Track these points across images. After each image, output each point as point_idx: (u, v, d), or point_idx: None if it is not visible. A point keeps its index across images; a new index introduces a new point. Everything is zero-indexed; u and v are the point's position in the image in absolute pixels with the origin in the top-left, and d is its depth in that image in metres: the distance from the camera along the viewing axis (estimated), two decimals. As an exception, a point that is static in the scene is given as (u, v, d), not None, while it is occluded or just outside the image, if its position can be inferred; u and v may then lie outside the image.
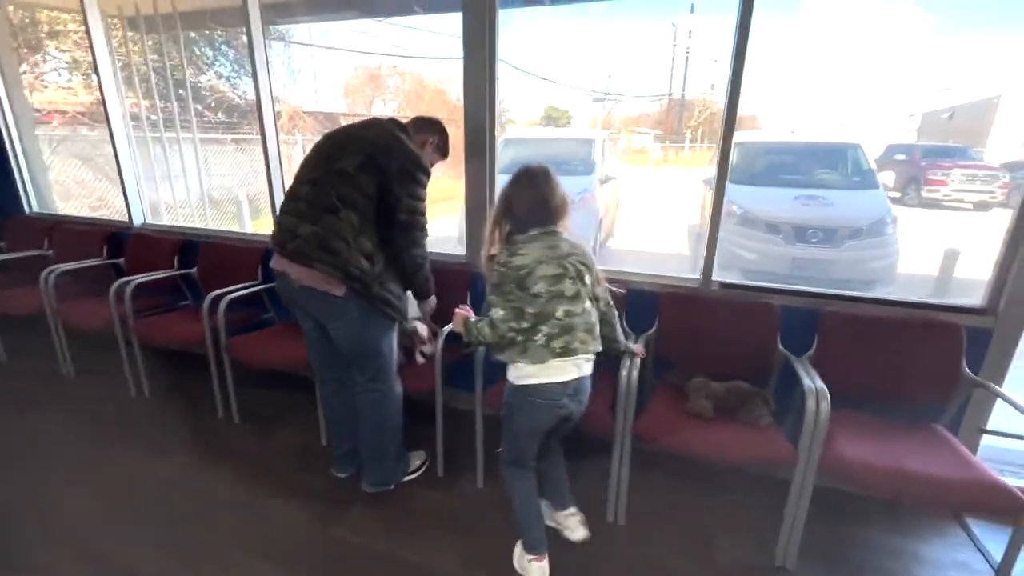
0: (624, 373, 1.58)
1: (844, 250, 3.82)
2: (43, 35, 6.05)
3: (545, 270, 1.31)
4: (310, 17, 4.56)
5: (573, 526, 1.64)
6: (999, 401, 1.61)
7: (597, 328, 1.40)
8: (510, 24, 2.07)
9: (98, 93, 2.79)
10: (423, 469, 1.98)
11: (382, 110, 10.95)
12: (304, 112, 8.78)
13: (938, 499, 1.39)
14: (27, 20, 6.03)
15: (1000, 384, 1.65)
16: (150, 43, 4.23)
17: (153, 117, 4.38)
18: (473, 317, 1.40)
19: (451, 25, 1.99)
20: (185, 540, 1.66)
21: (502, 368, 1.43)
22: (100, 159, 5.33)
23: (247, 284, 2.39)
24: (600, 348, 1.39)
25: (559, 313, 1.31)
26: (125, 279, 2.42)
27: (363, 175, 1.47)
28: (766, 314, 1.84)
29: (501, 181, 1.45)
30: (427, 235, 1.64)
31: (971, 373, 1.63)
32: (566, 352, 1.31)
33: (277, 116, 2.51)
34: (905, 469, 1.40)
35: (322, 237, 1.45)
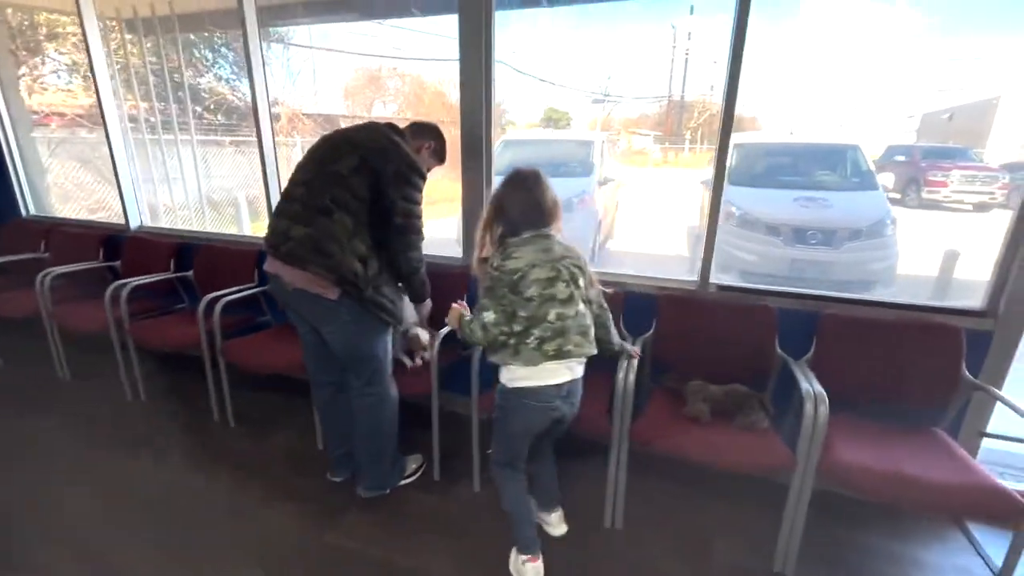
0: (621, 376, 1.57)
1: (843, 252, 3.80)
2: (42, 38, 6.06)
3: (538, 273, 1.30)
4: (309, 19, 4.57)
5: (555, 522, 1.67)
6: (1000, 404, 1.59)
7: (592, 331, 1.39)
8: (511, 26, 2.07)
9: (111, 94, 2.79)
10: (419, 473, 1.96)
11: (382, 112, 10.94)
12: (303, 114, 8.78)
13: (937, 504, 1.37)
14: (26, 23, 6.03)
15: (1000, 387, 1.64)
16: (149, 45, 4.22)
17: (152, 119, 4.38)
18: (468, 315, 1.40)
19: (450, 27, 1.99)
20: (182, 543, 1.65)
21: (496, 371, 1.42)
22: (99, 161, 5.33)
23: (243, 287, 2.38)
24: (595, 351, 1.39)
25: (551, 316, 1.30)
26: (120, 282, 2.41)
27: (356, 177, 1.47)
28: (764, 317, 1.83)
29: (498, 183, 1.45)
30: (423, 238, 1.63)
31: (971, 376, 1.62)
32: (559, 355, 1.31)
33: (276, 118, 2.50)
34: (904, 474, 1.38)
35: (315, 239, 1.44)
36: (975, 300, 1.74)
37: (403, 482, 1.91)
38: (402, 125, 1.72)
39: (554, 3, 3.20)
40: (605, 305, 1.50)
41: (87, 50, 2.68)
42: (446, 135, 1.79)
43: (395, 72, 10.81)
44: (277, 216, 1.55)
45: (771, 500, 1.58)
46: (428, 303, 1.81)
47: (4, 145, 3.21)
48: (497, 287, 1.33)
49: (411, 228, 1.56)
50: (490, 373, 1.47)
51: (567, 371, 1.36)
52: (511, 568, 1.53)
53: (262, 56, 2.40)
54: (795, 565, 1.52)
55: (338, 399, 1.78)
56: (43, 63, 6.49)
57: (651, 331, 1.94)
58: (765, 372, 1.82)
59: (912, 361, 1.67)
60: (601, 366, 1.59)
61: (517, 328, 1.31)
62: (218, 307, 2.15)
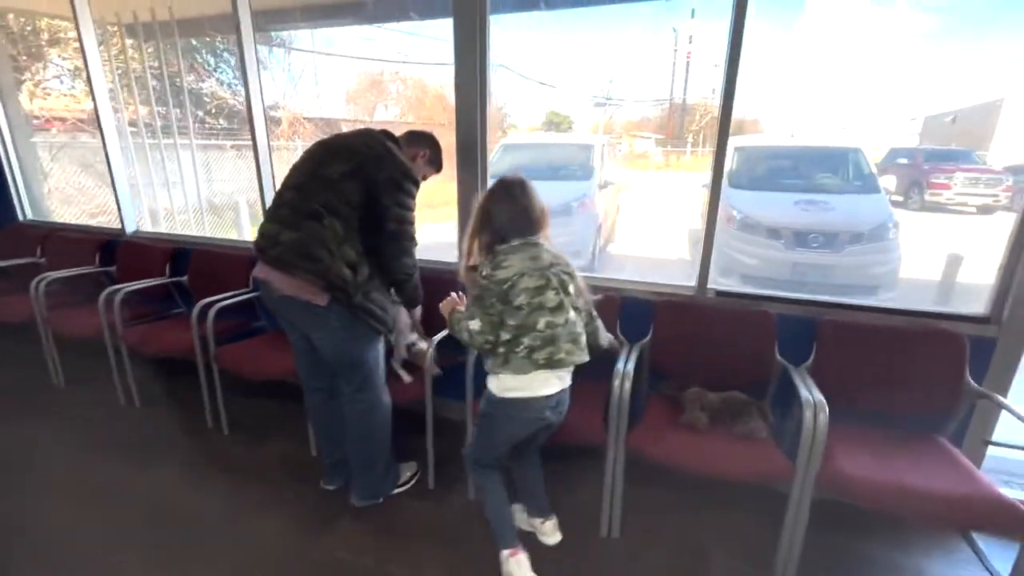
0: (616, 384, 1.54)
1: (845, 255, 3.77)
2: (43, 43, 6.09)
3: (527, 282, 1.28)
4: (307, 24, 4.58)
5: (548, 531, 1.64)
6: (1004, 411, 1.56)
7: (583, 338, 1.37)
8: (512, 31, 2.06)
9: (107, 99, 2.78)
10: (414, 481, 1.94)
11: (384, 116, 10.95)
12: (304, 118, 8.79)
13: (940, 515, 1.34)
14: (28, 28, 6.06)
15: (1005, 394, 1.61)
16: (150, 50, 4.23)
17: (152, 124, 4.37)
18: (462, 308, 1.39)
19: (449, 31, 1.97)
20: (173, 550, 1.64)
21: (484, 377, 1.41)
22: (100, 166, 5.32)
23: (238, 292, 2.36)
24: (587, 358, 1.37)
25: (540, 325, 1.28)
26: (114, 287, 2.40)
27: (348, 182, 1.45)
28: (763, 323, 1.80)
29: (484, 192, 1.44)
30: (416, 244, 1.61)
31: (974, 384, 1.59)
32: (550, 364, 1.29)
33: (277, 122, 2.49)
34: (905, 484, 1.35)
35: (304, 244, 1.43)
36: (979, 305, 1.71)
37: (397, 490, 1.88)
38: (404, 129, 1.72)
39: (552, 6, 3.19)
40: (595, 313, 1.48)
41: (83, 55, 2.68)
42: (444, 140, 1.78)
43: (397, 76, 10.82)
44: (268, 220, 1.53)
45: (771, 508, 1.55)
46: (419, 310, 1.79)
47: (2, 150, 3.21)
48: (486, 296, 1.31)
49: (404, 234, 1.54)
50: (484, 379, 1.45)
51: (557, 381, 1.35)
52: (502, 570, 1.52)
53: (257, 60, 2.39)
54: (795, 576, 1.49)
55: (330, 405, 1.76)
56: (45, 68, 6.52)
57: (648, 337, 1.92)
58: (764, 379, 1.79)
59: (914, 368, 1.64)
60: (597, 374, 1.57)
61: (506, 336, 1.30)
62: (212, 313, 2.13)
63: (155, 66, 4.20)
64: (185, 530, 1.72)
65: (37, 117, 6.01)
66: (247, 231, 6.34)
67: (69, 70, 6.47)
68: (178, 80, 4.60)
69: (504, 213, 1.35)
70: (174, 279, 2.70)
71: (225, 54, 8.08)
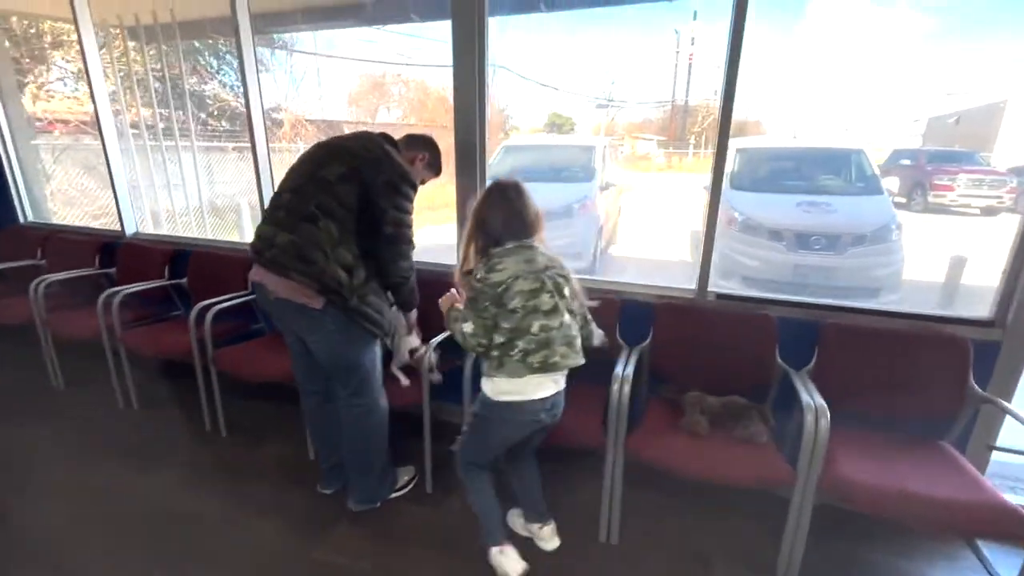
0: (616, 387, 1.53)
1: (848, 257, 3.74)
2: (46, 45, 6.12)
3: (522, 285, 1.28)
4: (308, 26, 4.58)
5: (546, 536, 1.63)
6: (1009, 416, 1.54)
7: (578, 341, 1.36)
8: (515, 33, 2.05)
9: (107, 102, 2.79)
10: (411, 485, 1.92)
11: (386, 118, 10.97)
12: (306, 120, 8.81)
13: (943, 522, 1.32)
14: (32, 31, 6.09)
15: (1009, 399, 1.59)
16: (152, 52, 4.24)
17: (153, 126, 4.38)
18: (460, 305, 1.39)
19: (450, 32, 1.96)
20: (169, 554, 1.63)
21: (479, 379, 1.41)
22: (102, 167, 5.33)
23: (236, 294, 2.35)
24: (582, 361, 1.36)
25: (535, 328, 1.28)
26: (113, 290, 2.39)
27: (344, 185, 1.44)
28: (764, 326, 1.78)
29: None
30: (414, 247, 1.60)
31: (978, 388, 1.57)
32: (544, 367, 1.29)
33: (279, 124, 2.49)
34: (908, 490, 1.33)
35: (298, 246, 1.42)
36: (983, 308, 1.69)
37: (395, 494, 1.87)
38: (406, 131, 1.72)
39: (553, 7, 3.18)
40: (589, 317, 1.47)
41: (83, 57, 2.68)
42: (445, 142, 1.77)
43: (399, 78, 10.84)
44: (264, 222, 1.52)
45: (772, 513, 1.53)
46: (414, 313, 1.78)
47: (3, 152, 3.22)
48: (479, 299, 1.30)
49: (402, 238, 1.53)
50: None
51: (552, 384, 1.35)
52: (493, 564, 1.53)
53: (256, 63, 2.39)
54: (797, 583, 1.47)
55: (326, 409, 1.75)
56: (48, 71, 6.55)
57: (648, 340, 1.90)
58: (765, 383, 1.77)
59: (917, 373, 1.62)
60: (596, 377, 1.56)
61: (500, 339, 1.29)
62: (209, 315, 2.12)
63: (157, 68, 4.21)
64: (182, 533, 1.71)
65: (40, 119, 6.03)
66: (248, 233, 6.34)
67: (73, 72, 6.50)
68: (180, 82, 4.61)
69: (499, 216, 1.34)
70: (173, 281, 2.69)
71: (228, 56, 8.10)
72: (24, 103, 5.27)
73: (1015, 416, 1.43)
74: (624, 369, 1.62)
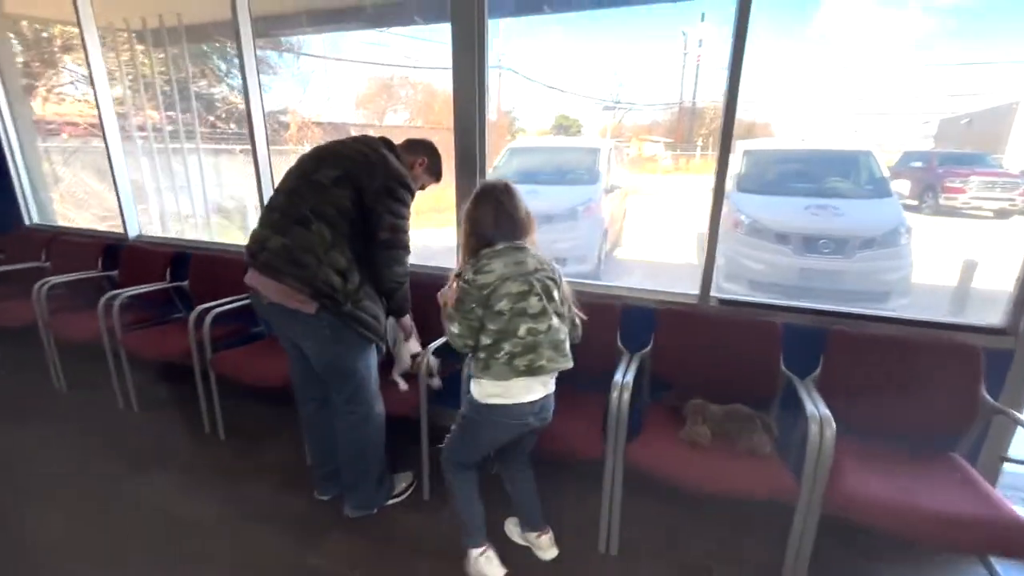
0: (615, 395, 1.50)
1: (856, 261, 3.67)
2: (56, 49, 6.17)
3: (510, 287, 1.26)
4: (313, 29, 4.59)
5: (544, 545, 1.60)
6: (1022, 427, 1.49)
7: (566, 344, 1.35)
8: (521, 35, 2.04)
9: (111, 105, 2.80)
10: (409, 492, 1.90)
11: (393, 120, 10.99)
12: (313, 123, 8.84)
13: (954, 539, 1.27)
14: (44, 35, 6.15)
15: (1022, 410, 1.53)
16: (160, 56, 4.26)
17: (160, 128, 4.40)
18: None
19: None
20: (162, 561, 1.61)
21: (467, 381, 1.40)
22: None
23: (235, 297, 2.34)
24: (570, 364, 1.35)
25: (521, 331, 1.26)
26: (114, 292, 2.39)
27: (338, 188, 1.42)
28: (768, 332, 1.74)
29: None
30: (409, 253, 1.58)
31: (990, 399, 1.52)
32: (531, 371, 1.27)
33: (285, 127, 2.50)
34: (917, 505, 1.29)
35: (291, 250, 1.40)
36: (995, 315, 1.64)
37: (391, 501, 1.85)
38: (414, 134, 1.71)
39: (556, 9, 3.16)
40: (577, 323, 1.45)
41: (87, 60, 2.70)
42: (447, 144, 1.76)
43: (406, 81, 10.87)
44: (259, 225, 1.51)
45: (775, 524, 1.48)
46: (408, 318, 1.76)
47: (9, 155, 3.24)
48: (466, 300, 1.29)
49: (397, 243, 1.51)
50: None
51: (541, 387, 1.34)
52: (470, 571, 1.52)
53: (257, 65, 2.39)
54: (801, 599, 1.43)
55: (322, 415, 1.73)
56: (58, 74, 6.61)
57: (649, 346, 1.87)
58: (769, 391, 1.73)
59: (926, 382, 1.57)
60: (596, 384, 1.53)
61: (486, 341, 1.28)
62: (208, 318, 2.11)
63: (163, 71, 4.24)
64: (178, 536, 1.70)
65: (50, 122, 6.08)
66: (254, 235, 6.35)
67: (84, 76, 6.55)
68: (188, 85, 4.63)
69: (488, 216, 1.33)
70: (175, 284, 2.70)
71: (236, 59, 8.15)
72: (35, 107, 5.33)
73: (1029, 428, 1.39)
74: (624, 376, 1.59)
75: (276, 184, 1.58)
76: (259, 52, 2.42)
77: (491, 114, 2.03)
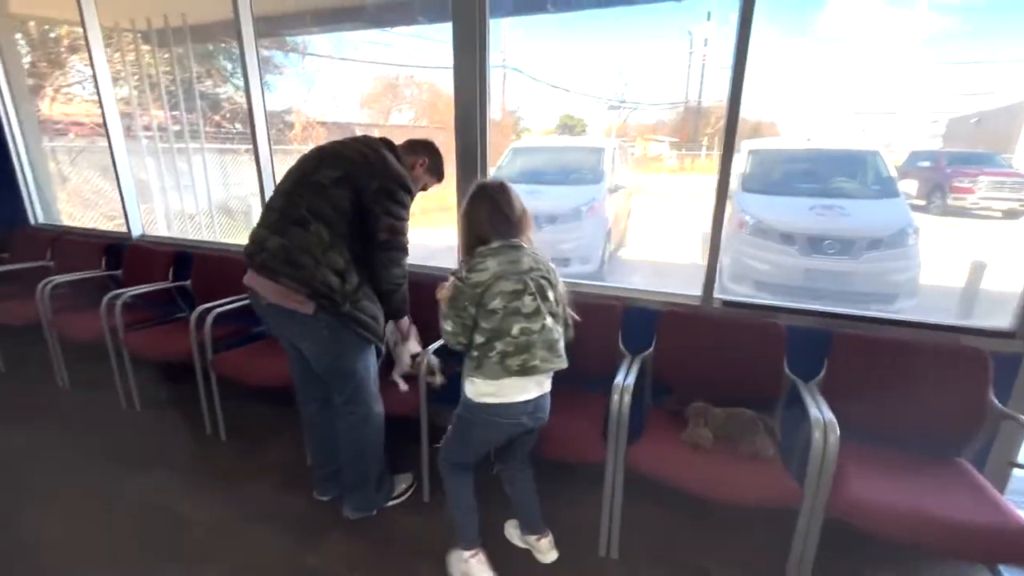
0: (616, 398, 1.48)
1: (863, 262, 3.63)
2: (63, 49, 6.21)
3: (503, 285, 1.26)
4: (318, 28, 4.59)
5: (544, 548, 1.59)
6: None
7: (560, 344, 1.34)
8: (526, 34, 2.03)
9: (114, 105, 2.81)
10: (409, 493, 1.89)
11: (399, 120, 11.00)
12: (317, 122, 8.86)
13: (961, 546, 1.25)
14: (51, 36, 6.19)
15: (1031, 415, 1.50)
16: (166, 56, 4.28)
17: (166, 128, 4.42)
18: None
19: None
20: (161, 561, 1.61)
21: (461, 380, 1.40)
22: (114, 170, 5.41)
23: (236, 297, 2.34)
24: (564, 365, 1.34)
25: (515, 331, 1.26)
26: (116, 292, 2.40)
27: (337, 189, 1.42)
28: (772, 335, 1.72)
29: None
30: (408, 254, 1.57)
31: (998, 403, 1.49)
32: (524, 371, 1.27)
33: (290, 126, 2.50)
34: (923, 511, 1.27)
35: (288, 250, 1.40)
36: (1004, 318, 1.61)
37: (391, 503, 1.84)
38: (419, 134, 1.70)
39: (560, 8, 3.14)
40: (570, 323, 1.44)
41: (90, 60, 2.70)
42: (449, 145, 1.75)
43: (412, 80, 10.87)
44: (258, 225, 1.51)
45: (778, 528, 1.46)
46: (406, 320, 1.75)
47: (14, 155, 3.26)
48: (459, 298, 1.29)
49: (396, 244, 1.50)
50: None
51: (535, 386, 1.33)
52: (453, 571, 1.52)
53: (259, 65, 2.39)
54: (804, 606, 1.41)
55: (324, 415, 1.72)
56: (65, 74, 6.65)
57: (651, 348, 1.85)
58: (772, 394, 1.71)
59: (933, 386, 1.54)
60: (597, 386, 1.51)
61: (479, 339, 1.28)
62: (209, 318, 2.11)
63: (168, 71, 4.26)
64: (178, 536, 1.70)
65: (57, 122, 6.12)
66: (258, 234, 6.36)
67: (92, 76, 6.58)
68: (193, 85, 4.65)
69: (484, 214, 1.33)
70: (177, 283, 2.70)
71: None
72: (42, 107, 5.37)
73: (1038, 433, 1.36)
74: (625, 378, 1.57)
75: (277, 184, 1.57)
76: (265, 52, 2.42)
77: (496, 114, 2.02)
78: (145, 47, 4.22)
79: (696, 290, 1.89)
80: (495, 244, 1.31)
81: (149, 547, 1.67)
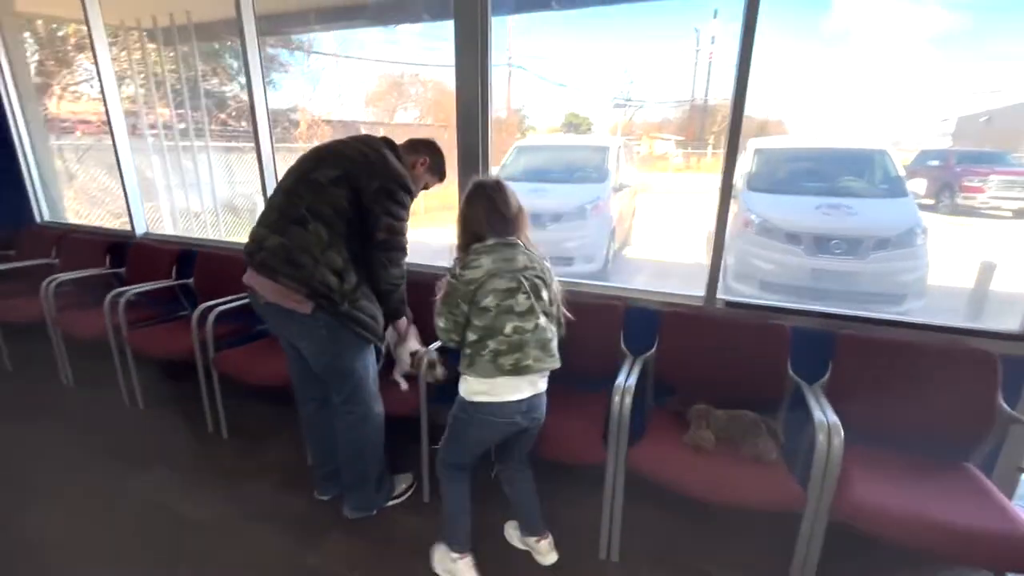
0: (617, 399, 1.47)
1: (870, 262, 3.59)
2: (70, 47, 6.25)
3: (497, 283, 1.25)
4: (322, 26, 4.59)
5: (544, 550, 1.58)
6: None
7: (553, 344, 1.33)
8: (532, 32, 2.01)
9: (118, 103, 2.82)
10: (409, 493, 1.88)
11: (404, 118, 11.00)
12: (322, 120, 8.87)
13: (968, 552, 1.23)
14: (59, 35, 6.23)
15: (1041, 419, 1.48)
16: (171, 54, 4.30)
17: (171, 127, 4.44)
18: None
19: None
20: (161, 560, 1.61)
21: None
22: (124, 167, 5.43)
23: (238, 296, 2.34)
24: (557, 364, 1.33)
25: (507, 329, 1.25)
26: (119, 290, 2.41)
27: (336, 188, 1.41)
28: (776, 336, 1.70)
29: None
30: (406, 255, 1.56)
31: (1007, 407, 1.46)
32: (516, 370, 1.26)
33: (296, 124, 2.50)
34: (929, 517, 1.24)
35: (287, 249, 1.39)
36: (1013, 319, 1.58)
37: (391, 503, 1.83)
38: (424, 133, 1.69)
39: (563, 6, 3.12)
40: (563, 322, 1.43)
41: (95, 58, 2.71)
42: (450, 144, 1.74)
43: (417, 78, 10.86)
44: (258, 224, 1.50)
45: (781, 532, 1.44)
46: (403, 321, 1.74)
47: (20, 153, 3.28)
48: (452, 295, 1.29)
49: (394, 244, 1.49)
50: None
51: (529, 386, 1.33)
52: (438, 569, 1.52)
53: (261, 63, 2.39)
54: (807, 612, 1.39)
55: (322, 415, 1.72)
56: (73, 73, 6.69)
57: (653, 349, 1.83)
58: (776, 396, 1.69)
59: (940, 389, 1.52)
60: (598, 386, 1.50)
61: (472, 337, 1.28)
62: (211, 316, 2.11)
63: (174, 69, 4.27)
64: (178, 535, 1.71)
65: (65, 120, 6.16)
66: (262, 232, 6.38)
67: (96, 74, 6.62)
68: (198, 83, 4.67)
69: (480, 212, 1.33)
70: (180, 281, 2.71)
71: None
72: (50, 105, 5.40)
73: (1047, 438, 1.34)
74: (627, 379, 1.56)
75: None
76: (270, 50, 2.43)
77: (500, 112, 2.01)
78: (151, 45, 4.24)
79: (699, 290, 1.87)
80: (490, 241, 1.31)
81: (151, 546, 1.67)
